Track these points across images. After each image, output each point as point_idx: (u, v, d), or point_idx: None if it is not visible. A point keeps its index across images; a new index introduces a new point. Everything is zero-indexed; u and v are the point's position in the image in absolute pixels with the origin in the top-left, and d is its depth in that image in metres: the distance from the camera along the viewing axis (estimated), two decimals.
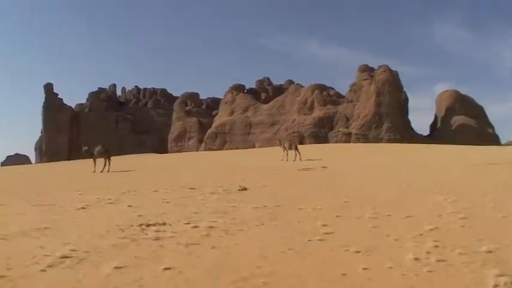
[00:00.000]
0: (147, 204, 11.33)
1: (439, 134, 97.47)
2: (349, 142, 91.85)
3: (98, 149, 30.91)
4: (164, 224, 8.47)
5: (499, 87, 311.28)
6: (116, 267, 5.50)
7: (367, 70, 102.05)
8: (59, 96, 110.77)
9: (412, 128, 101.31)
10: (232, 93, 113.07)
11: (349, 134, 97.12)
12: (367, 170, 22.45)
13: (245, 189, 14.25)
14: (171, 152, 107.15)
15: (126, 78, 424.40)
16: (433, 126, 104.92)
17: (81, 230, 8.12)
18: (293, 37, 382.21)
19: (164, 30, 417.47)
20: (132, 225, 8.36)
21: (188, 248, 6.56)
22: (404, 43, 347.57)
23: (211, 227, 8.04)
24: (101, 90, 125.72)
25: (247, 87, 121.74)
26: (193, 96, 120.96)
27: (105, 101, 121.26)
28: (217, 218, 8.92)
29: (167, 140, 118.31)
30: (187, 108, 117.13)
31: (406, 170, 21.43)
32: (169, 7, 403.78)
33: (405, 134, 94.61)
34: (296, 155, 36.32)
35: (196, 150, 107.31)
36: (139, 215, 9.52)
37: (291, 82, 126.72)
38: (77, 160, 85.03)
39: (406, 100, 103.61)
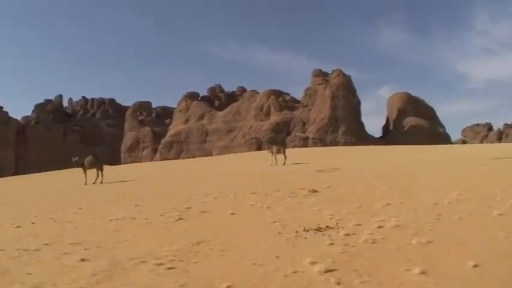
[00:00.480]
0: (250, 211, 10.32)
1: (392, 135, 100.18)
2: (307, 146, 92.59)
3: (88, 159, 29.20)
4: (328, 227, 7.61)
5: (441, 89, 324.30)
6: (421, 273, 4.68)
7: (321, 75, 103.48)
8: (4, 110, 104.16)
9: (365, 131, 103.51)
10: (186, 101, 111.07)
11: (307, 138, 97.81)
12: (390, 168, 22.15)
13: (315, 191, 13.49)
14: (125, 163, 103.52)
15: (73, 89, 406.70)
16: (385, 128, 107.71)
17: (250, 241, 7.09)
18: (241, 45, 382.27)
19: (109, 38, 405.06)
20: (297, 231, 7.44)
21: (432, 246, 5.86)
22: (348, 48, 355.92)
23: (398, 226, 7.31)
24: (47, 101, 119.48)
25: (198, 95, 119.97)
26: (145, 105, 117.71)
27: (52, 112, 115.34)
28: (371, 218, 8.18)
29: (118, 151, 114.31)
30: (140, 118, 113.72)
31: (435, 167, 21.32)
32: (115, 16, 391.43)
33: (360, 136, 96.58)
34: (285, 159, 36.02)
35: (151, 160, 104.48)
36: (274, 221, 8.55)
37: (243, 89, 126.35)
38: (28, 175, 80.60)
39: (359, 103, 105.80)
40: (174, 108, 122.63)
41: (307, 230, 7.42)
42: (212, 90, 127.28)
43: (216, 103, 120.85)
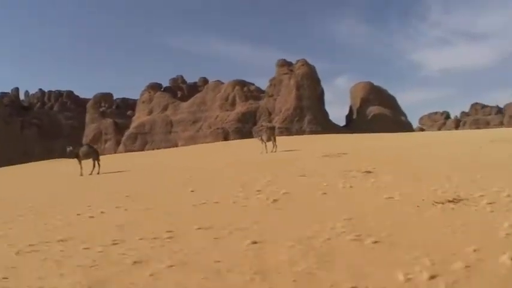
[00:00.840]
0: (338, 191, 10.20)
1: (356, 123, 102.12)
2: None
3: (83, 149, 28.17)
4: (456, 199, 7.69)
5: (398, 79, 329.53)
6: None
7: (286, 65, 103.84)
8: None
9: (330, 120, 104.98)
10: (149, 92, 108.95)
11: (273, 127, 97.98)
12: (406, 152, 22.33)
13: (369, 172, 13.53)
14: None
15: (29, 81, 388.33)
16: (348, 116, 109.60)
17: (403, 215, 7.02)
18: (200, 36, 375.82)
19: (65, 29, 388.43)
20: (433, 204, 7.44)
21: None
22: (304, 39, 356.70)
23: None
24: (3, 94, 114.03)
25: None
26: (107, 97, 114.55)
27: (9, 106, 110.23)
28: (483, 190, 8.36)
29: (77, 143, 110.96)
30: (101, 110, 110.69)
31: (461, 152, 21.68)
32: (72, 6, 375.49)
33: (326, 125, 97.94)
34: (274, 147, 35.90)
35: (115, 152, 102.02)
36: (389, 197, 8.52)
37: (205, 80, 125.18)
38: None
39: (323, 93, 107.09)
40: (134, 100, 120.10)
41: (443, 203, 7.48)
42: (174, 81, 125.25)
43: (179, 94, 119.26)
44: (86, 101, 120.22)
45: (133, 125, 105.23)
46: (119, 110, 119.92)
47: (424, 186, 9.48)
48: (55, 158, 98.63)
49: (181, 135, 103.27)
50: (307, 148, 36.04)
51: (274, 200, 9.48)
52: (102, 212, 10.34)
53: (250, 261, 5.14)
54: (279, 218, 7.66)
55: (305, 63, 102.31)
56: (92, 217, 9.74)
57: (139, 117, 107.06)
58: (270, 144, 36.45)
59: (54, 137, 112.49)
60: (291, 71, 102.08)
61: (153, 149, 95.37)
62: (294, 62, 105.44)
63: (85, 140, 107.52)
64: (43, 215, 10.82)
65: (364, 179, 11.86)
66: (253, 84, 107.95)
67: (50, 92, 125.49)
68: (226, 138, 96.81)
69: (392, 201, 8.20)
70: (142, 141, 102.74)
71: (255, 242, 5.94)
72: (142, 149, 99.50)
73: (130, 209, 10.40)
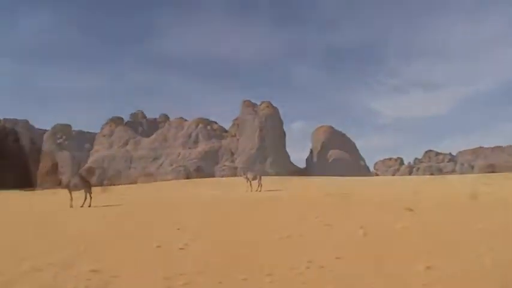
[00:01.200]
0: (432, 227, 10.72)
1: (316, 167, 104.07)
2: (236, 176, 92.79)
3: (75, 179, 27.24)
4: None
5: (354, 124, 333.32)
6: None
7: (251, 105, 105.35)
8: None
9: (291, 162, 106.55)
10: (110, 126, 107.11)
11: (235, 168, 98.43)
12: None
13: (411, 210, 14.17)
14: (43, 189, 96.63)
15: None
16: (309, 159, 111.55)
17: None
18: (158, 71, 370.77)
19: (25, 56, 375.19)
20: None
21: None
22: (260, 81, 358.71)
23: None
24: None
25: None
26: (65, 128, 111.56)
27: None
28: None
29: (31, 175, 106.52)
30: (58, 141, 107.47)
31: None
32: (34, 30, 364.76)
33: (287, 167, 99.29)
34: (259, 186, 36.18)
35: None
36: (481, 229, 9.16)
37: (165, 116, 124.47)
38: None
39: (284, 135, 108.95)
40: (91, 133, 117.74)
41: None
42: (134, 115, 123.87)
43: (140, 129, 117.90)
44: (41, 131, 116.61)
45: (92, 158, 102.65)
46: (76, 143, 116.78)
47: (495, 219, 10.21)
48: (7, 189, 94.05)
49: (141, 172, 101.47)
50: (289, 188, 36.46)
51: (365, 234, 9.86)
52: (186, 244, 10.19)
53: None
54: (401, 249, 8.04)
55: (269, 105, 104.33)
56: (182, 249, 9.63)
57: (98, 150, 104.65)
58: (254, 183, 36.77)
59: (6, 166, 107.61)
60: (255, 111, 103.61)
61: (112, 185, 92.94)
62: (258, 103, 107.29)
63: (40, 171, 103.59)
64: (113, 247, 10.60)
65: (423, 216, 12.46)
66: (216, 123, 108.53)
67: (5, 119, 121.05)
68: (188, 176, 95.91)
69: (489, 232, 8.82)
70: (100, 176, 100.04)
71: (428, 267, 6.35)
72: (100, 184, 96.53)
73: (211, 241, 10.36)
